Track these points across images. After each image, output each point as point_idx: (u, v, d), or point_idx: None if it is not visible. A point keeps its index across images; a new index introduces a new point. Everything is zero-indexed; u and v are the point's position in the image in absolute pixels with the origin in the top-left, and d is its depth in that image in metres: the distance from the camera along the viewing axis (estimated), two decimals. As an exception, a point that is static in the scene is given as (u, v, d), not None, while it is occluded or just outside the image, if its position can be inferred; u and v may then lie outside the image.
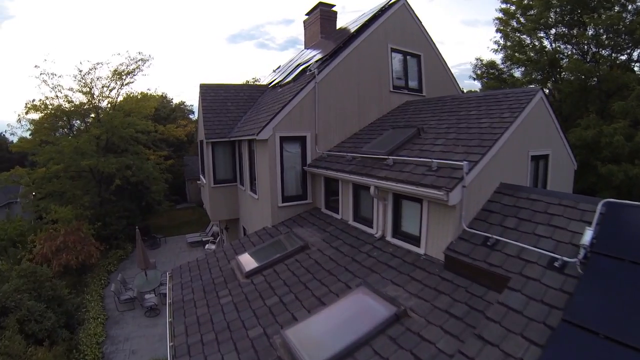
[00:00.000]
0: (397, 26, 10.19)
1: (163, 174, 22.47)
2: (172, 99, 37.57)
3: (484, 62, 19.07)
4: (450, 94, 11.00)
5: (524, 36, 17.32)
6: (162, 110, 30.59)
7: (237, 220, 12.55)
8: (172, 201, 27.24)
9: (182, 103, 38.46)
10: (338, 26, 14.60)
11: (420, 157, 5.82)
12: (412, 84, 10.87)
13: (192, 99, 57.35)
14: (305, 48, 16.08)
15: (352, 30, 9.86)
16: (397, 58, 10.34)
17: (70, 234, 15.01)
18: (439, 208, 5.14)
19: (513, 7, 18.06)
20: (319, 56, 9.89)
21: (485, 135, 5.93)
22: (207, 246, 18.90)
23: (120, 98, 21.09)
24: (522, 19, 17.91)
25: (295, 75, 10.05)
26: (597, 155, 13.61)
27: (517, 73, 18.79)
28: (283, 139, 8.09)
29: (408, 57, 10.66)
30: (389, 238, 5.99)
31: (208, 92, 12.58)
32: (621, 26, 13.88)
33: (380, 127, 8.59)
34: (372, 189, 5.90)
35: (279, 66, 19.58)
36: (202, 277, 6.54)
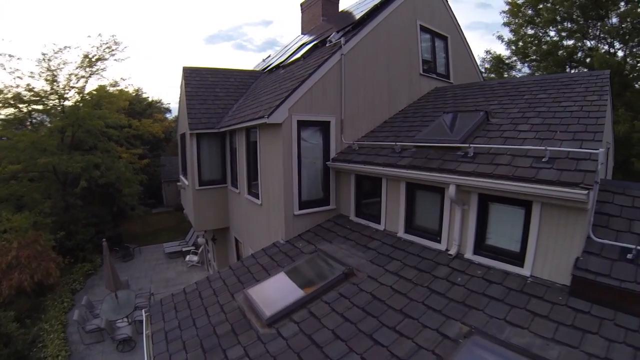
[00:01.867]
0: (425, 2, 8.69)
1: (137, 174, 19.92)
2: (148, 97, 34.56)
3: (493, 55, 17.95)
4: (477, 81, 9.65)
5: (538, 28, 16.31)
6: (136, 105, 27.79)
7: (226, 230, 10.55)
8: (147, 205, 24.63)
9: (159, 100, 35.45)
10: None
11: (514, 145, 4.21)
12: (440, 68, 9.37)
13: (169, 99, 54.07)
14: (302, 33, 14.35)
15: (360, 14, 8.22)
16: (425, 38, 8.78)
17: (25, 247, 12.42)
18: (559, 212, 3.56)
19: (521, 0, 17.13)
20: (332, 32, 8.15)
21: (584, 119, 4.54)
22: (187, 257, 16.61)
23: (90, 87, 18.49)
24: (529, 11, 17.01)
25: (306, 51, 8.23)
26: (623, 152, 12.69)
27: (525, 68, 17.86)
28: (301, 124, 6.16)
29: (436, 38, 9.17)
30: (469, 256, 4.31)
31: (193, 75, 10.57)
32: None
33: (420, 113, 6.92)
34: (451, 189, 4.16)
35: (269, 55, 17.76)
36: (195, 321, 4.50)
